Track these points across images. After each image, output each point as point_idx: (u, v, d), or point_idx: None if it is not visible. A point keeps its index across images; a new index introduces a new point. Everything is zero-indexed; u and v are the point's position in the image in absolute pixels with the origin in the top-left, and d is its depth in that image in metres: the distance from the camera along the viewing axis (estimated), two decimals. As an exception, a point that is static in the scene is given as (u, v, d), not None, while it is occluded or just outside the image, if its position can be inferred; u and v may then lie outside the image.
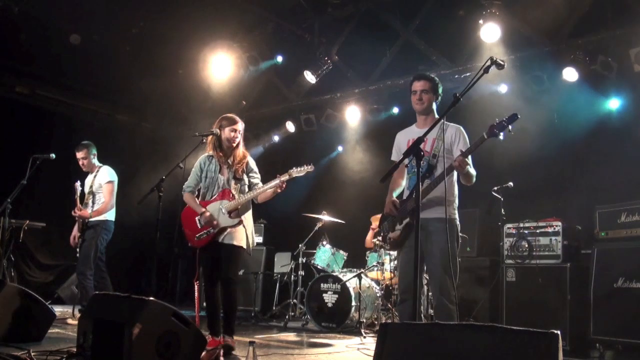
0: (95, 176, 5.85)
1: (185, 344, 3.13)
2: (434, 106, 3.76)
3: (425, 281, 4.82)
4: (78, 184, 5.85)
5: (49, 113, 8.38)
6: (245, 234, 4.30)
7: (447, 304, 3.44)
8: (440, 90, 3.76)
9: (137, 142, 8.98)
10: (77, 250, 5.67)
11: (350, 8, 7.38)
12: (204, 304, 4.36)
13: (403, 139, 3.85)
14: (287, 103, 8.36)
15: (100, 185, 5.78)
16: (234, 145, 4.34)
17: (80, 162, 5.89)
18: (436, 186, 3.52)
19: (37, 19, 7.11)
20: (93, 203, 5.75)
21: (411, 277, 3.46)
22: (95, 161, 5.93)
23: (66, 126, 8.42)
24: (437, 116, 3.72)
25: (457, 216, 3.67)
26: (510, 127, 3.24)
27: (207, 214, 4.22)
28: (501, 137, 3.28)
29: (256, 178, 4.40)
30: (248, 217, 4.35)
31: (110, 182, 5.79)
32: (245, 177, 4.35)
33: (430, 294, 4.95)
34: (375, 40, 7.08)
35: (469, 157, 3.49)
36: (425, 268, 3.61)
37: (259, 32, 8.12)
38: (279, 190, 4.20)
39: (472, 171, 3.53)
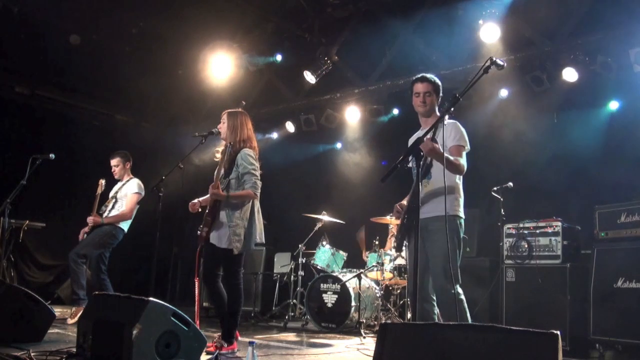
0: (124, 184, 5.92)
1: (185, 344, 3.13)
2: (436, 107, 3.77)
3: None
4: (103, 181, 5.91)
5: (49, 113, 8.38)
6: (227, 234, 4.13)
7: (448, 302, 3.44)
8: (441, 91, 3.77)
9: (137, 142, 8.97)
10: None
11: (350, 8, 7.38)
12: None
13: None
14: (287, 103, 8.35)
15: (126, 194, 5.83)
16: (223, 138, 4.37)
17: (113, 169, 5.98)
18: (428, 183, 3.53)
19: (37, 19, 7.11)
20: (112, 208, 5.81)
21: (414, 280, 3.46)
22: (128, 171, 6.02)
23: (66, 126, 8.42)
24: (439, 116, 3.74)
25: (460, 212, 3.64)
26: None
27: (191, 203, 4.43)
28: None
29: (246, 173, 4.18)
30: (238, 215, 4.17)
31: (137, 193, 5.82)
32: (234, 171, 4.20)
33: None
34: (375, 40, 7.08)
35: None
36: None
37: (259, 32, 8.12)
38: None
39: (456, 160, 3.45)
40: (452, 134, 3.59)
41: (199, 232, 4.31)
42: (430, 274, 3.59)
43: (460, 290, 3.50)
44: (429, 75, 3.74)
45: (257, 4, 7.41)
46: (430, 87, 3.69)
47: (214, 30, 7.64)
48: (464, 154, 3.59)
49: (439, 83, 3.76)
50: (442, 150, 3.33)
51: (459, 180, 3.66)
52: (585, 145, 6.00)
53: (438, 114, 3.76)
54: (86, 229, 5.75)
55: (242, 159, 4.21)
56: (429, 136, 3.29)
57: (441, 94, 3.77)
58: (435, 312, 3.60)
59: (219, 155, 4.47)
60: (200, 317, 4.53)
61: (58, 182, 7.94)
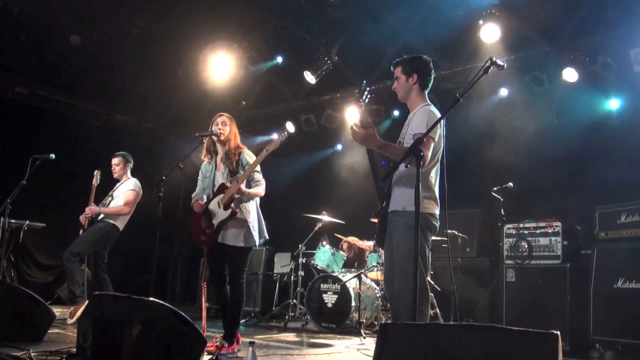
0: (122, 184, 5.95)
1: (185, 344, 3.13)
2: (416, 88, 3.43)
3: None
4: (98, 172, 5.94)
5: (49, 113, 8.39)
6: (244, 231, 4.21)
7: (402, 307, 3.13)
8: (423, 67, 3.41)
9: (137, 142, 8.98)
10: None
11: (350, 8, 7.37)
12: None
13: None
14: (287, 103, 8.35)
15: (123, 192, 5.84)
16: (223, 139, 4.37)
17: (113, 168, 6.01)
18: (393, 174, 3.24)
19: (37, 19, 7.10)
20: (108, 205, 5.82)
21: (390, 283, 3.29)
22: (128, 172, 6.02)
23: (66, 126, 8.42)
24: (426, 99, 3.46)
25: (425, 208, 3.20)
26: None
27: (199, 203, 4.34)
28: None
29: (254, 172, 4.30)
30: (252, 212, 4.32)
31: (133, 190, 5.82)
32: (240, 170, 4.30)
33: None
34: (375, 40, 7.08)
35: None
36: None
37: (259, 32, 8.11)
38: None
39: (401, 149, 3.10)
40: (416, 120, 3.26)
41: (203, 237, 4.31)
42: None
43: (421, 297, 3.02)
44: (398, 59, 3.49)
45: (257, 4, 7.40)
46: (398, 71, 3.44)
47: (214, 30, 7.63)
48: (431, 144, 3.18)
49: (413, 60, 3.43)
50: (378, 138, 3.11)
51: (425, 172, 3.25)
52: (585, 145, 6.00)
53: (425, 95, 3.48)
54: (83, 219, 5.76)
55: (249, 158, 4.35)
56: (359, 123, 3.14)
57: (424, 71, 3.42)
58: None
59: (208, 163, 4.51)
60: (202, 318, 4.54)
61: (58, 182, 7.94)
